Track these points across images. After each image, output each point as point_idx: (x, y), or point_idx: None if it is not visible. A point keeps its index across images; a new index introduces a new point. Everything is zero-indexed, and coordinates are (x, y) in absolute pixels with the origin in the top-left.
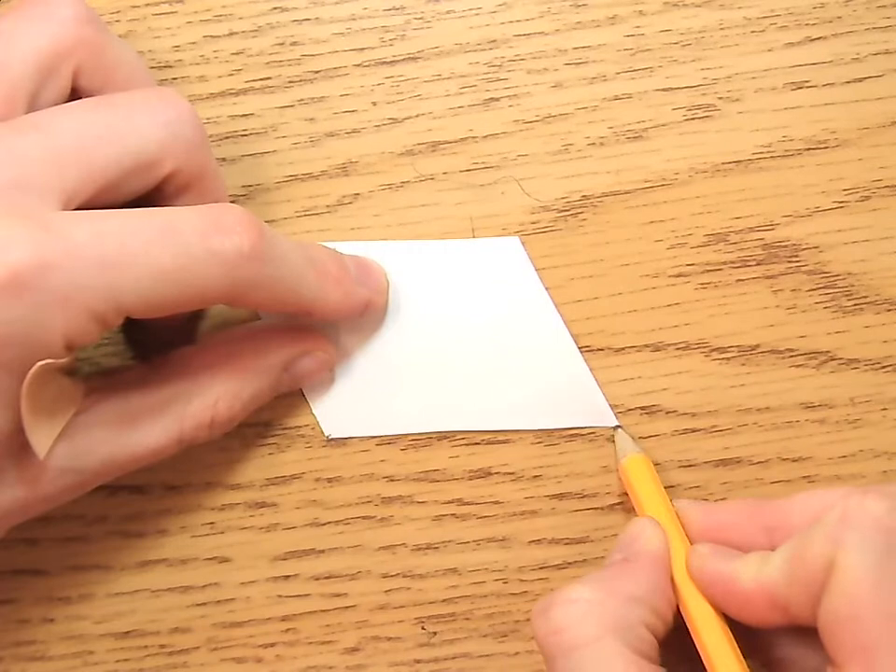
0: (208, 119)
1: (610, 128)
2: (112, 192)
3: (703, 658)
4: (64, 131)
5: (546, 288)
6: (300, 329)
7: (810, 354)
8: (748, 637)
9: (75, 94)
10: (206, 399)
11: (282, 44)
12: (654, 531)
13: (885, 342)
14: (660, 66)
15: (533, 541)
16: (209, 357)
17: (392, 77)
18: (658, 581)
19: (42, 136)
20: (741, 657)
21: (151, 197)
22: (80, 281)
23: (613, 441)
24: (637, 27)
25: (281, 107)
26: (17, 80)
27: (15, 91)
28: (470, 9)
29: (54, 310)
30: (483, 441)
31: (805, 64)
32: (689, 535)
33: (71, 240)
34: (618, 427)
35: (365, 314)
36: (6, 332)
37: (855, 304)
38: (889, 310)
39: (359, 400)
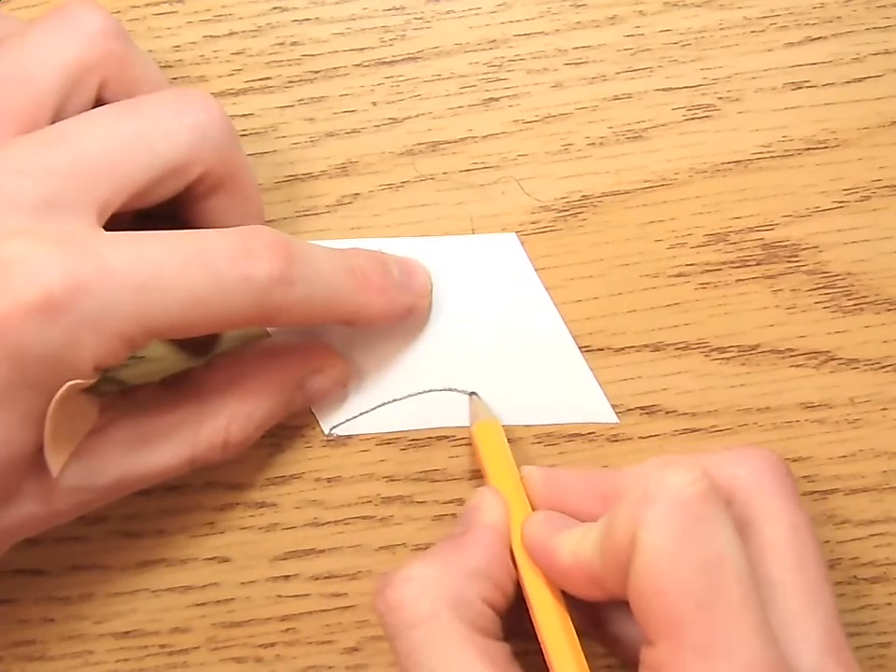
0: None
1: (610, 128)
2: (143, 197)
3: (536, 632)
4: (93, 142)
5: (546, 288)
6: (311, 346)
7: (810, 354)
8: (583, 610)
9: (98, 106)
10: (218, 421)
11: (282, 44)
12: (493, 501)
13: (885, 342)
14: (660, 66)
15: None
16: (221, 378)
17: (392, 76)
18: (496, 552)
19: (71, 149)
20: (572, 631)
21: (182, 197)
22: (114, 305)
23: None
24: (637, 27)
25: (281, 107)
26: (43, 94)
27: (40, 106)
28: (470, 9)
29: (86, 333)
30: None
31: (805, 64)
32: (533, 502)
33: (106, 264)
34: (473, 393)
35: (408, 317)
36: (38, 353)
37: (855, 304)
38: (889, 310)
39: (359, 398)
